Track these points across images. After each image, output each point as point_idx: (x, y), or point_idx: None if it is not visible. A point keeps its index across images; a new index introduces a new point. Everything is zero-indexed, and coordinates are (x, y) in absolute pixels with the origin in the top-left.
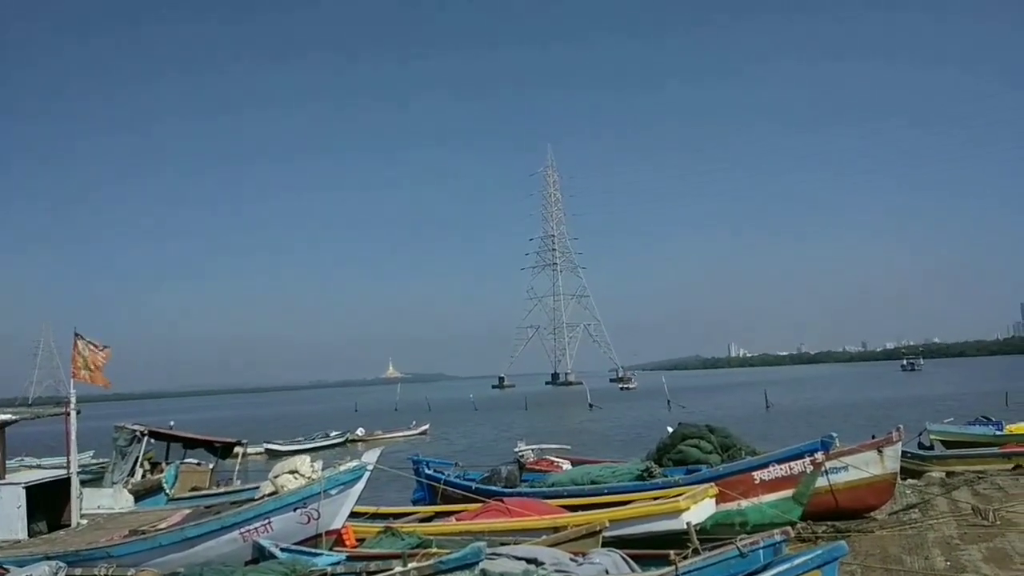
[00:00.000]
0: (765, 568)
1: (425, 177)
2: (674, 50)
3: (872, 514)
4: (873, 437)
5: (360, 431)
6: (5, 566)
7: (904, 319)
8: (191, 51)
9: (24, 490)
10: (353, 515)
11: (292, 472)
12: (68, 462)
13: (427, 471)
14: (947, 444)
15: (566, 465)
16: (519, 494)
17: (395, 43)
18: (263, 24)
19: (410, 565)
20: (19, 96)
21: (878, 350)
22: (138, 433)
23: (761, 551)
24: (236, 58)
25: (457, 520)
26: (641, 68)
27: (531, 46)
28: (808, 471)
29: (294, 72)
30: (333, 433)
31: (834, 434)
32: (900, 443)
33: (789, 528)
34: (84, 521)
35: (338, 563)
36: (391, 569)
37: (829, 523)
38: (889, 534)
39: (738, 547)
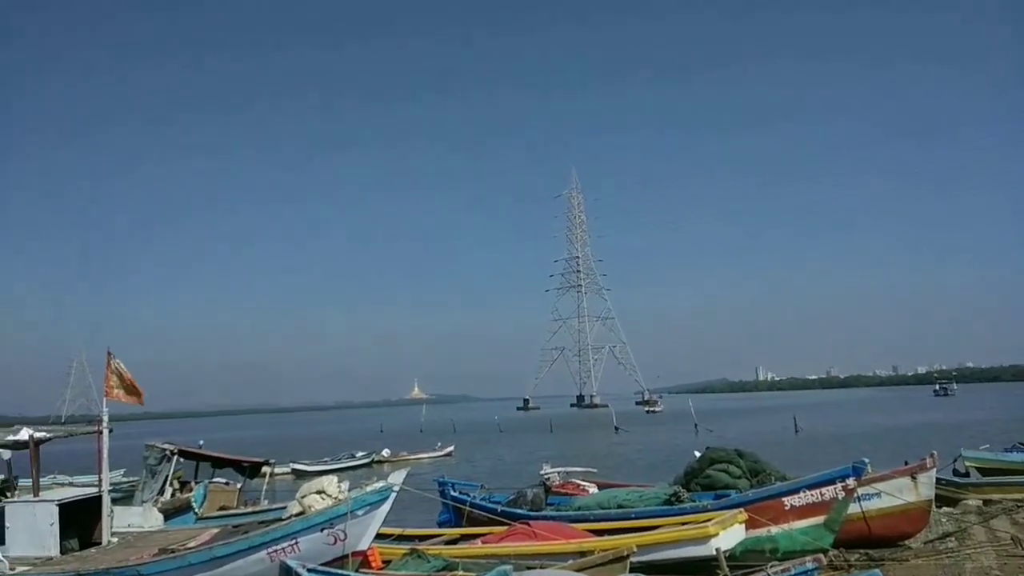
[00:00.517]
0: None
1: (452, 199)
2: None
3: (907, 542)
4: (906, 463)
5: (386, 452)
6: None
7: (936, 343)
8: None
9: (57, 507)
10: (379, 536)
11: (319, 492)
12: (100, 480)
13: (453, 493)
14: (983, 471)
15: (592, 489)
16: (545, 517)
17: (425, 62)
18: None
19: None
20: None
21: (909, 374)
22: (168, 452)
23: None
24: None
25: (483, 543)
26: (671, 88)
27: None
28: (840, 497)
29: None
30: (359, 454)
31: (866, 460)
32: (934, 469)
33: (821, 555)
34: (115, 539)
35: None
36: None
37: (862, 551)
38: (925, 563)
39: (769, 574)
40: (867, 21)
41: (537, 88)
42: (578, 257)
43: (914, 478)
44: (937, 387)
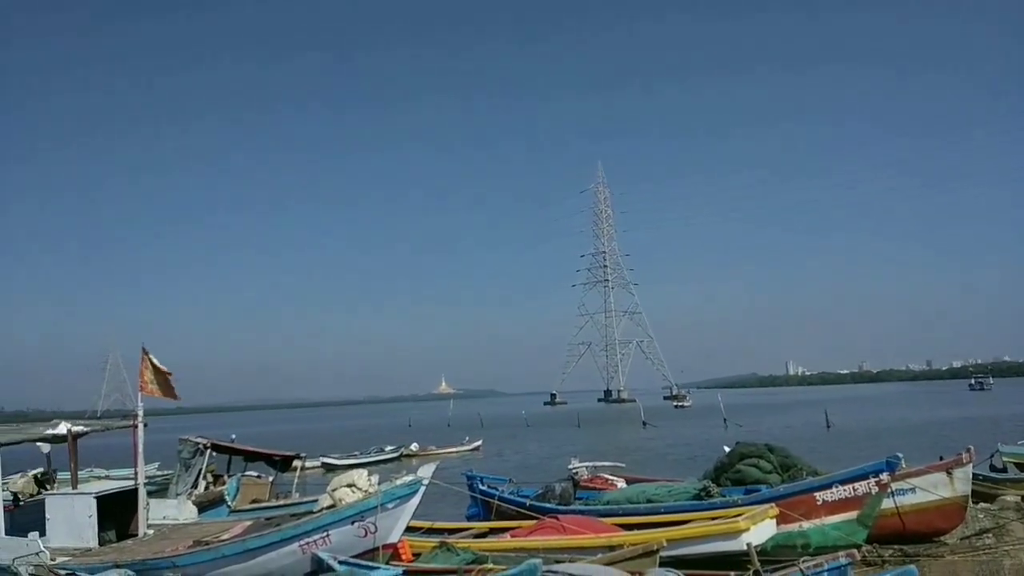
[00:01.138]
0: None
1: (478, 193)
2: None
3: (942, 538)
4: (941, 458)
5: (414, 446)
6: (77, 573)
7: (971, 336)
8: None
9: (95, 500)
10: (408, 529)
11: (350, 486)
12: (136, 473)
13: (481, 487)
14: (1021, 467)
15: (620, 483)
16: (574, 512)
17: (446, 49)
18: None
19: None
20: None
21: (944, 368)
22: (201, 446)
23: (826, 573)
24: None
25: (512, 536)
26: (701, 86)
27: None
28: (873, 492)
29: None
30: (388, 448)
31: (900, 454)
32: (971, 465)
33: (855, 551)
34: (151, 531)
35: None
36: None
37: (896, 546)
38: (961, 560)
39: (801, 569)
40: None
41: (571, 88)
42: (604, 252)
43: (950, 473)
44: (973, 381)
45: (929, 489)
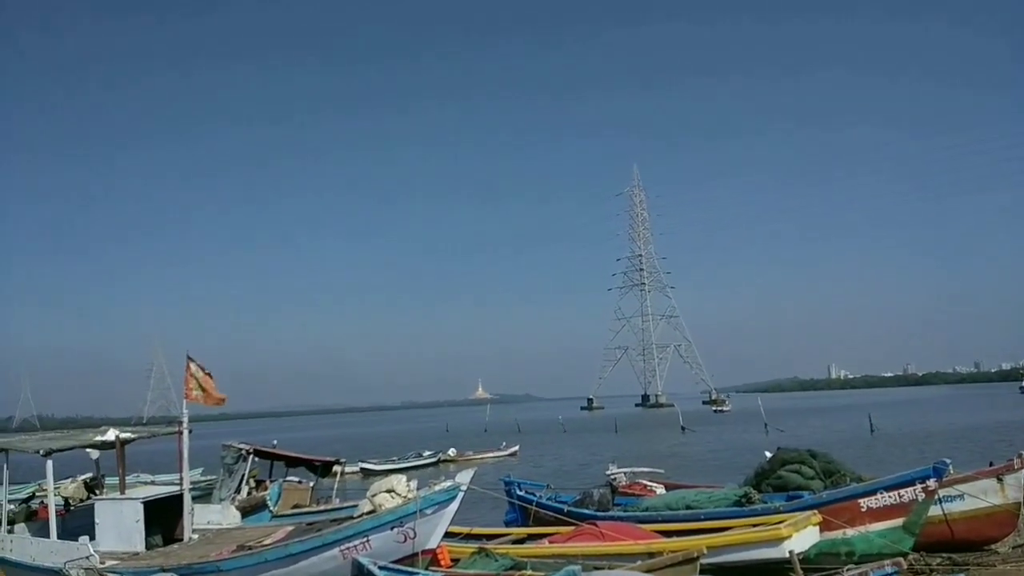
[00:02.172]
0: None
1: (515, 197)
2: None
3: (993, 547)
4: (991, 464)
5: (452, 451)
6: None
7: (1021, 337)
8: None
9: (142, 505)
10: (447, 535)
11: (389, 491)
12: (181, 479)
13: (519, 492)
14: None
15: (660, 489)
16: (612, 518)
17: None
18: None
19: None
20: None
21: (992, 371)
22: (244, 452)
23: None
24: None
25: (550, 542)
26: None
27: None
28: (920, 499)
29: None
30: (426, 453)
31: (947, 460)
32: (1023, 471)
33: (901, 559)
34: (195, 536)
35: None
36: None
37: (944, 555)
38: (1014, 569)
39: None
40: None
41: (608, 88)
42: (641, 255)
43: (1000, 479)
44: (1023, 384)
45: (979, 496)
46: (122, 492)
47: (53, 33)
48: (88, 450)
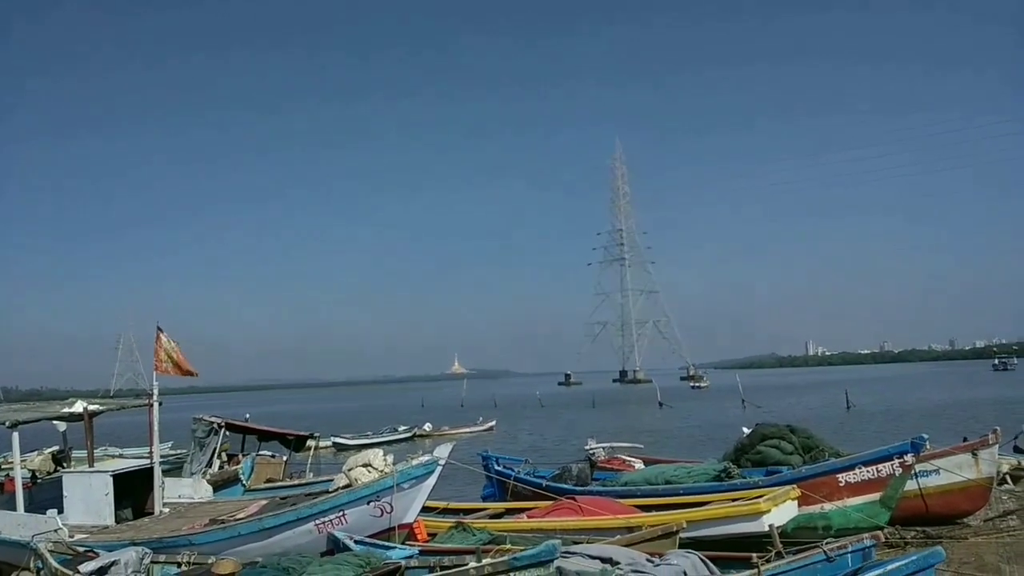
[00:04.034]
0: (855, 574)
1: (493, 172)
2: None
3: (965, 520)
4: (965, 439)
5: (427, 426)
6: (95, 550)
7: (995, 316)
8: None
9: (112, 478)
10: (425, 510)
11: (366, 465)
12: (151, 452)
13: (497, 467)
14: None
15: (638, 464)
16: (591, 492)
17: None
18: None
19: (484, 561)
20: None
21: (967, 348)
22: (215, 425)
23: (849, 556)
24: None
25: (528, 517)
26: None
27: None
28: (897, 474)
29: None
30: (401, 428)
31: (925, 435)
32: (997, 446)
33: (879, 533)
34: (166, 509)
35: (411, 557)
36: (465, 564)
37: (919, 528)
38: (985, 541)
39: (824, 551)
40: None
41: (586, 73)
42: (621, 229)
43: (975, 455)
44: (996, 361)
45: (954, 471)
46: (91, 465)
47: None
48: (55, 423)
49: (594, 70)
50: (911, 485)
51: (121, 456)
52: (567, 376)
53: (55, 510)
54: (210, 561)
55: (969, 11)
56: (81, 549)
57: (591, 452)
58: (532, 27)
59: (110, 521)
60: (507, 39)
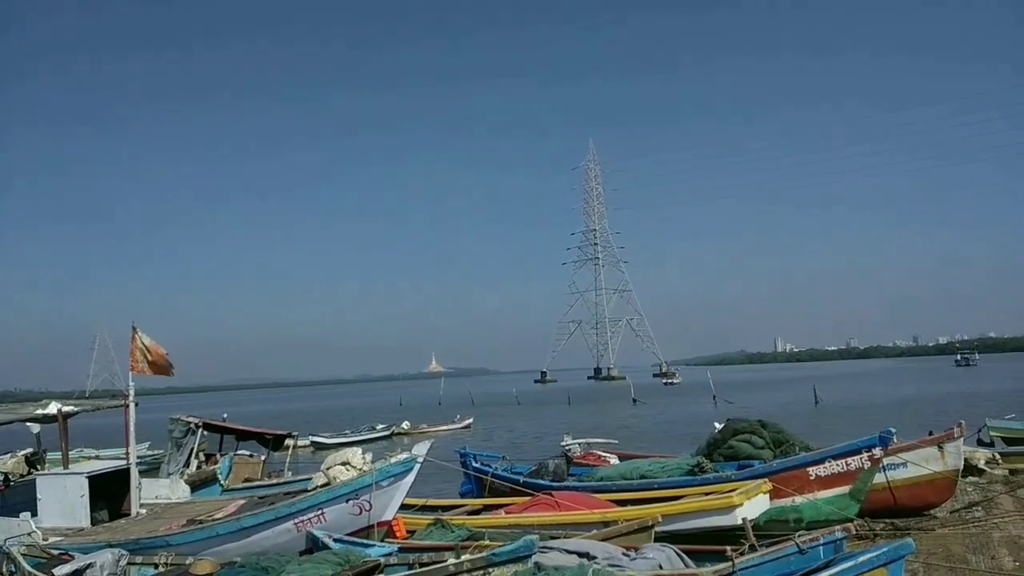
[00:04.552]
0: (827, 566)
1: (468, 172)
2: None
3: (932, 512)
4: (931, 433)
5: (405, 424)
6: (70, 552)
7: (957, 313)
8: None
9: (87, 479)
10: (403, 507)
11: (344, 464)
12: (127, 453)
13: (475, 464)
14: (1008, 441)
15: (613, 460)
16: (567, 488)
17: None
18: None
19: (463, 557)
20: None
21: (930, 345)
22: (193, 425)
23: (821, 548)
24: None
25: (506, 513)
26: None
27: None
28: (866, 467)
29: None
30: (379, 426)
31: (892, 429)
32: (962, 439)
33: (850, 525)
34: (143, 510)
35: (391, 554)
36: (444, 561)
37: (887, 520)
38: (952, 532)
39: (797, 544)
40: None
41: (563, 69)
42: (595, 229)
43: (941, 447)
44: (959, 357)
45: (921, 464)
46: (65, 467)
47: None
48: (28, 424)
49: (570, 68)
50: (880, 478)
51: (97, 457)
52: (543, 374)
53: (28, 513)
54: (188, 562)
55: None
56: (56, 552)
57: (567, 448)
58: (502, 18)
59: (85, 523)
60: (476, 33)
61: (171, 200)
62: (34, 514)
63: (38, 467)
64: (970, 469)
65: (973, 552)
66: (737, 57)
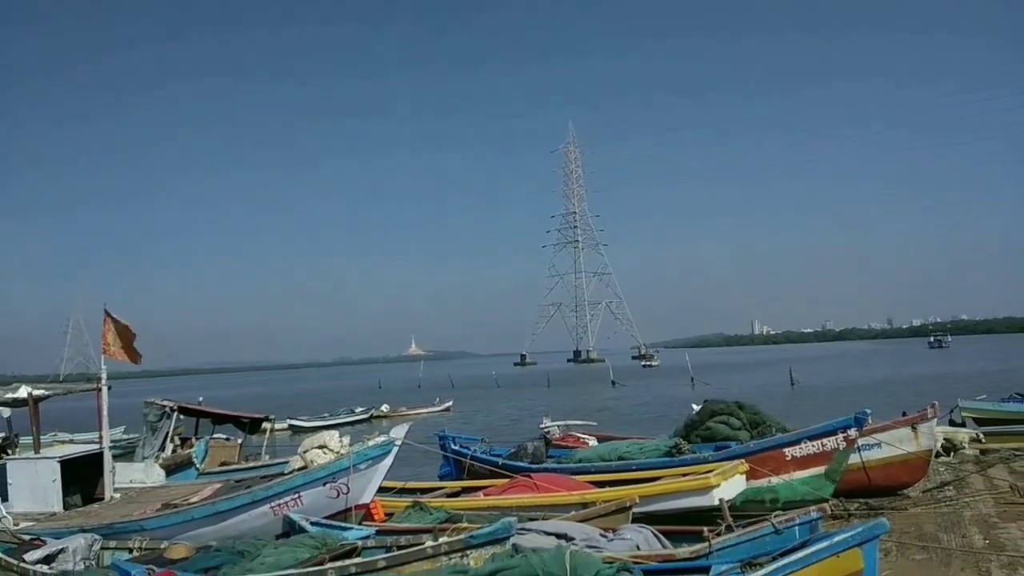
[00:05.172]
0: (803, 546)
1: (448, 155)
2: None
3: (905, 491)
4: (904, 414)
5: (384, 407)
6: (42, 538)
7: (930, 296)
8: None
9: (59, 464)
10: (381, 490)
11: (321, 447)
12: (100, 437)
13: (454, 446)
14: (979, 421)
15: (592, 441)
16: (546, 470)
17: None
18: None
19: (441, 539)
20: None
21: (904, 327)
22: (168, 409)
23: (797, 528)
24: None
25: (485, 495)
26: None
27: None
28: (841, 448)
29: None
30: (358, 409)
31: (867, 410)
32: (935, 420)
33: (825, 505)
34: (117, 495)
35: (368, 537)
36: (421, 543)
37: (861, 500)
38: (924, 512)
39: (773, 524)
40: None
41: (537, 47)
42: (575, 212)
43: (914, 428)
44: (932, 339)
45: (895, 444)
46: (37, 451)
47: None
48: None
49: (553, 52)
50: (854, 458)
51: (71, 441)
52: (522, 356)
53: None
54: (163, 546)
55: None
56: (27, 537)
57: (546, 430)
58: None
59: (58, 508)
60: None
61: (142, 181)
62: (4, 499)
63: (9, 452)
64: (953, 448)
65: (945, 531)
66: (715, 37)
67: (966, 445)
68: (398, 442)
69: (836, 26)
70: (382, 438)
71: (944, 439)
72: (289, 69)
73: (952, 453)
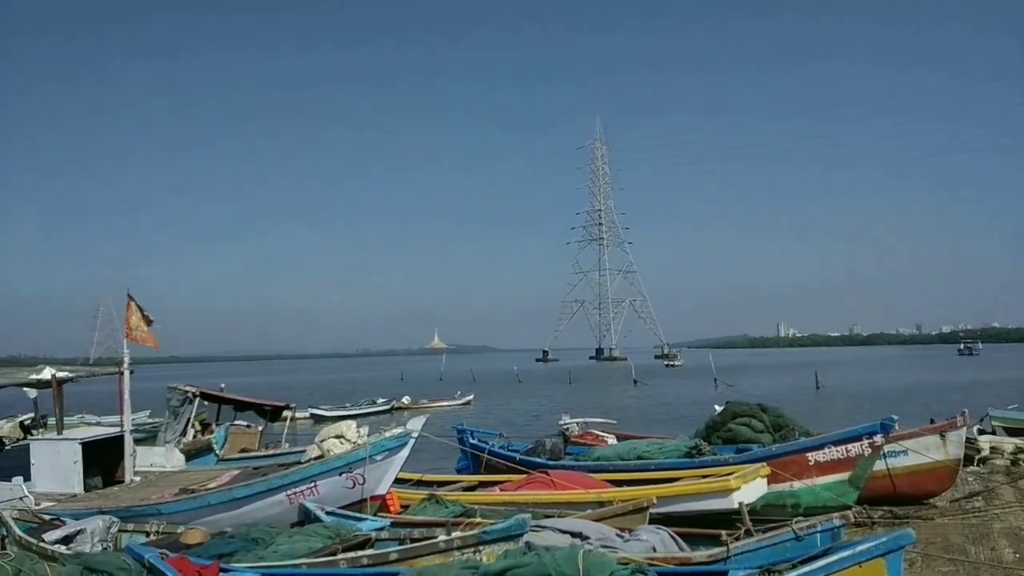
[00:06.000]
0: (824, 554)
1: (474, 150)
2: None
3: (932, 501)
4: (932, 421)
5: (406, 399)
6: (61, 518)
7: (961, 302)
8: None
9: (80, 445)
10: (397, 481)
11: (338, 437)
12: (121, 420)
13: (471, 440)
14: (1010, 431)
15: (611, 440)
16: (564, 467)
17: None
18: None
19: (454, 534)
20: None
21: (933, 333)
22: (190, 394)
23: (819, 535)
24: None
25: (501, 490)
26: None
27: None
28: (866, 454)
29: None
30: (379, 400)
31: (894, 416)
32: (964, 428)
33: (848, 512)
34: (137, 478)
35: (382, 529)
36: (435, 537)
37: (886, 508)
38: (951, 522)
39: (794, 530)
40: None
41: (565, 30)
42: (600, 210)
43: (943, 436)
44: (962, 346)
45: (922, 452)
46: (59, 432)
47: None
48: (25, 390)
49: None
50: (880, 465)
51: (99, 424)
52: (545, 353)
53: (21, 477)
54: (179, 531)
55: None
56: (47, 517)
57: (565, 427)
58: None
59: (78, 489)
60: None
61: (173, 168)
62: (27, 479)
63: (34, 433)
64: (997, 455)
65: (972, 543)
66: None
67: (1008, 455)
68: (415, 434)
69: (902, 11)
70: (399, 429)
71: (990, 447)
72: (315, 42)
73: (981, 463)
